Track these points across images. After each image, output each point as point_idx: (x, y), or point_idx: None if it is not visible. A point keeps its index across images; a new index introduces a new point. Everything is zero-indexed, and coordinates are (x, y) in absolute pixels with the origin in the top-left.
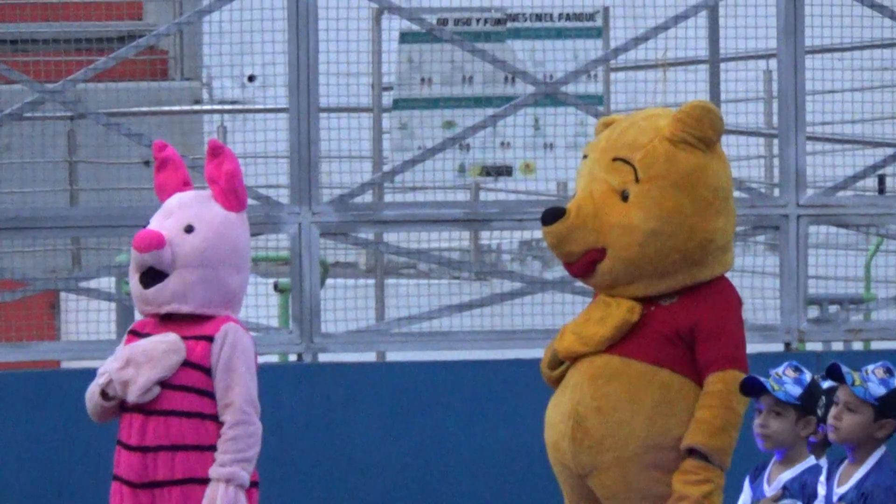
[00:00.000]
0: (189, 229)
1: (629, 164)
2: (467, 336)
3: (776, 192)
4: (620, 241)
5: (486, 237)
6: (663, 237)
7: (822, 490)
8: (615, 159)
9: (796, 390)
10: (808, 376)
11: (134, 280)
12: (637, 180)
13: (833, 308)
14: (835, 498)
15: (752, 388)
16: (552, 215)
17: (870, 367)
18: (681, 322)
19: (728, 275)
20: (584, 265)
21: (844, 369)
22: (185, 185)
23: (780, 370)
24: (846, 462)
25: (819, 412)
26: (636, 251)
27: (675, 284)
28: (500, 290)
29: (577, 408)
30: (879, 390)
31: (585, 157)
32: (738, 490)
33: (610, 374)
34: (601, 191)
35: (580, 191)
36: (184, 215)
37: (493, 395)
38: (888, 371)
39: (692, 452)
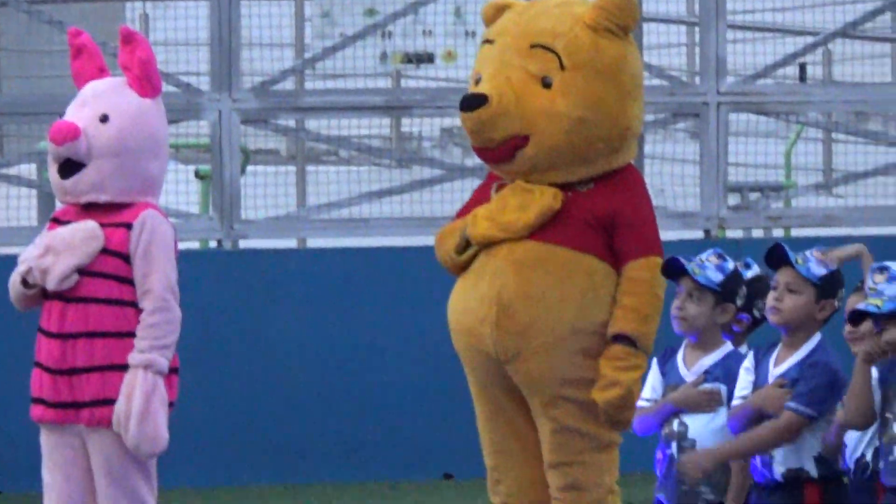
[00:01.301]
0: (104, 119)
1: (552, 51)
2: (388, 222)
3: (697, 80)
4: (546, 128)
5: (407, 124)
6: (589, 125)
7: (746, 375)
8: (533, 46)
9: (717, 276)
10: (730, 264)
11: (52, 171)
12: (562, 68)
13: (753, 195)
14: (770, 378)
15: (674, 271)
16: (473, 101)
17: (809, 251)
18: (601, 208)
19: (648, 162)
20: (504, 151)
21: (788, 250)
22: (101, 72)
23: (703, 256)
24: (779, 346)
25: (738, 302)
26: (562, 139)
27: (594, 171)
28: (420, 176)
29: (502, 294)
30: (821, 270)
31: (488, 41)
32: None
33: (536, 261)
34: (519, 77)
35: (492, 77)
36: (98, 105)
37: (413, 281)
38: (823, 253)
39: (620, 338)
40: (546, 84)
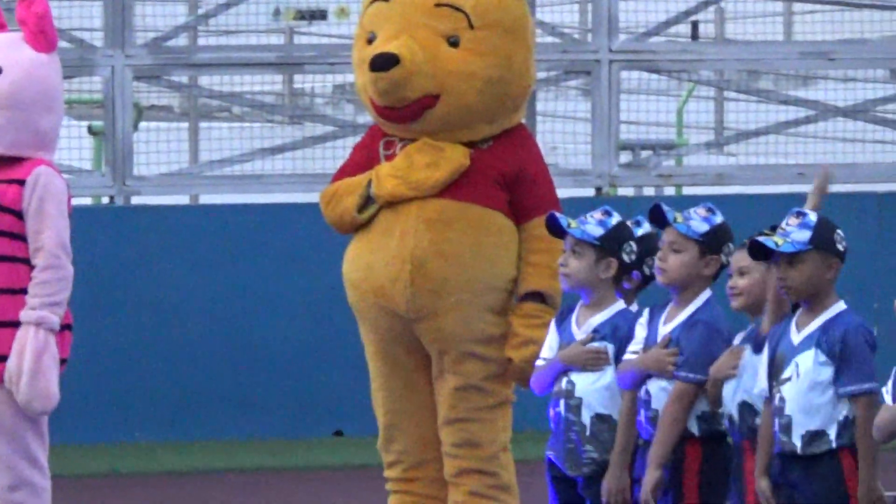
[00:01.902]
0: None
1: (460, 10)
2: (280, 179)
3: (589, 37)
4: (458, 87)
5: (299, 81)
6: (499, 84)
7: (641, 331)
8: (439, 5)
9: (597, 231)
10: (613, 220)
11: None
12: (471, 26)
13: (645, 153)
14: (659, 337)
15: (554, 228)
16: (385, 62)
17: (692, 209)
18: (504, 166)
19: (541, 120)
20: (414, 111)
21: (666, 208)
22: None
23: (590, 213)
24: (670, 304)
25: (627, 257)
26: (474, 97)
27: (496, 129)
28: (313, 133)
29: (415, 252)
30: (703, 227)
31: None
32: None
33: (448, 219)
34: (425, 36)
35: (395, 36)
36: None
37: (306, 238)
38: (710, 210)
39: (532, 295)
40: (452, 43)
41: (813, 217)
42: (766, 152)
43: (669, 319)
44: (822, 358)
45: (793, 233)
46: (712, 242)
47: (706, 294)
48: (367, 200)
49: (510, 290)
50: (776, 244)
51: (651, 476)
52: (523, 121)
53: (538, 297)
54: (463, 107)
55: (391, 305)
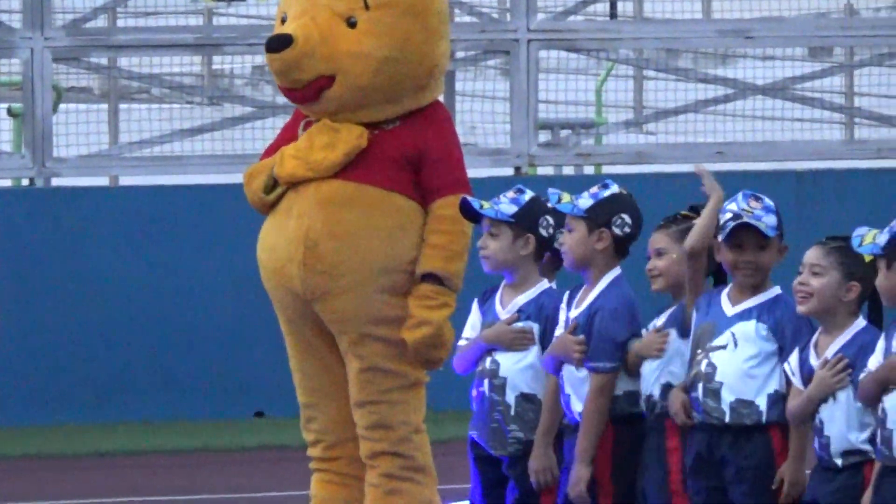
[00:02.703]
0: None
1: None
2: (200, 160)
3: (508, 17)
4: (352, 68)
5: (218, 62)
6: (396, 64)
7: (562, 314)
8: None
9: (511, 209)
10: (526, 196)
11: None
12: (366, 7)
13: (564, 132)
14: (570, 322)
15: (468, 211)
16: (278, 43)
17: (587, 192)
18: (408, 146)
19: (459, 99)
20: (310, 92)
21: (552, 190)
22: None
23: (503, 193)
24: (585, 286)
25: (545, 231)
26: (368, 79)
27: (401, 110)
28: (232, 114)
29: (309, 233)
30: (587, 202)
31: None
32: (467, 314)
33: (343, 200)
34: (324, 17)
35: (298, 16)
36: None
37: (226, 219)
38: (603, 186)
39: (429, 277)
40: (351, 24)
41: (770, 201)
42: (685, 131)
43: (580, 303)
44: (765, 332)
45: (763, 217)
46: (597, 216)
47: (613, 273)
48: (275, 181)
49: (411, 272)
50: (763, 229)
51: (581, 472)
52: (441, 100)
53: (435, 278)
54: (358, 87)
55: (291, 286)
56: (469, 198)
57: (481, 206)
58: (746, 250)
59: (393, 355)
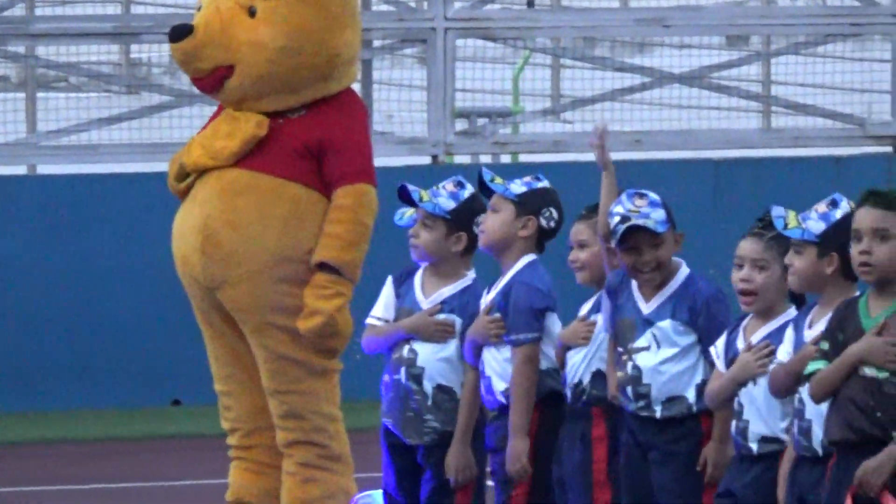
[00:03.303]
0: None
1: None
2: (118, 149)
3: (425, 5)
4: (250, 58)
5: (136, 51)
6: (292, 53)
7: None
8: None
9: (449, 204)
10: (466, 192)
11: None
12: None
13: (481, 121)
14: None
15: (405, 199)
16: (179, 32)
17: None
18: (309, 135)
19: (377, 88)
20: (212, 81)
21: (486, 170)
22: None
23: (443, 183)
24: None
25: (476, 230)
26: (266, 68)
27: (305, 99)
28: (150, 103)
29: (208, 221)
30: (521, 189)
31: None
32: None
33: (240, 189)
34: (227, 7)
35: (207, 5)
36: None
37: (143, 207)
38: (536, 178)
39: (323, 266)
40: (251, 13)
41: (655, 196)
42: (601, 119)
43: (495, 287)
44: (682, 328)
45: (651, 213)
46: (528, 203)
47: (528, 258)
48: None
49: (310, 262)
50: (652, 226)
51: (519, 446)
52: (358, 88)
53: (330, 268)
54: (256, 77)
55: (195, 274)
56: (410, 187)
57: (421, 199)
58: (643, 251)
59: (297, 344)
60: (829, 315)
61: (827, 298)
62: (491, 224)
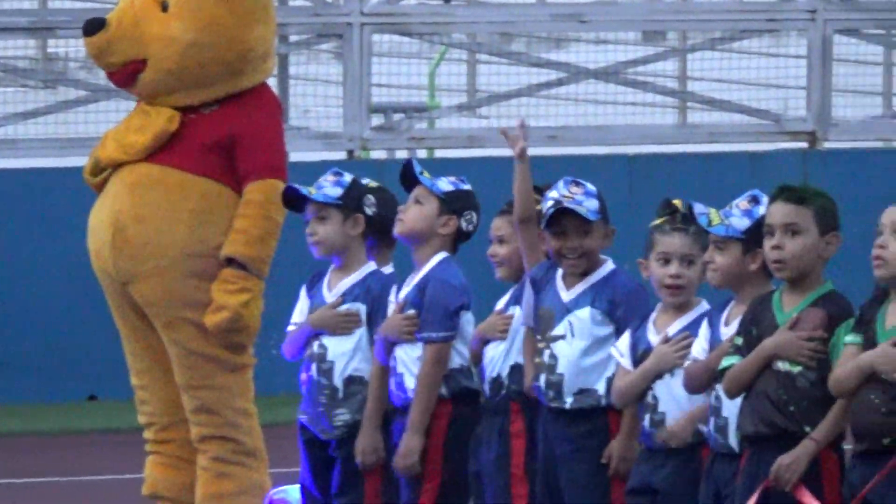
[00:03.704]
0: None
1: None
2: (34, 144)
3: (341, 0)
4: (161, 52)
5: (53, 45)
6: (202, 48)
7: (392, 305)
8: None
9: (336, 191)
10: (347, 178)
11: None
12: None
13: (397, 116)
14: (399, 300)
15: (293, 199)
16: (92, 26)
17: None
18: (221, 131)
19: (293, 83)
20: (125, 75)
21: (418, 168)
22: None
23: (323, 178)
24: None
25: (370, 210)
26: (176, 62)
27: (217, 94)
28: (66, 97)
29: (118, 216)
30: (448, 187)
31: None
32: (295, 298)
33: (150, 183)
34: (141, 1)
35: (122, 1)
36: None
37: (60, 202)
38: (461, 180)
39: (231, 262)
40: (164, 7)
41: (592, 187)
42: (518, 115)
43: (407, 285)
44: (600, 317)
45: (584, 202)
46: (452, 202)
47: (442, 255)
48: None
49: (219, 257)
50: (584, 213)
51: (412, 443)
52: (272, 83)
53: (237, 263)
54: (167, 71)
55: (107, 269)
56: (296, 186)
57: (310, 193)
58: (570, 236)
59: (208, 340)
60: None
61: (745, 295)
62: (413, 215)
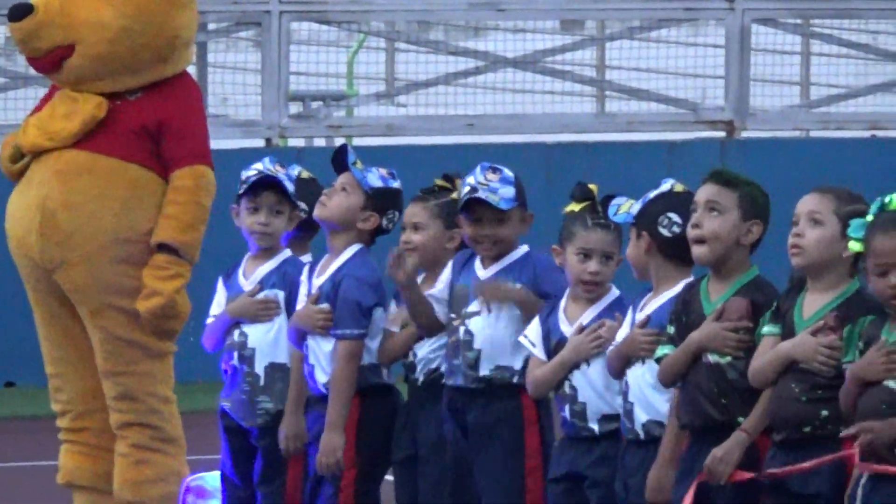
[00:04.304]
0: None
1: None
2: None
3: None
4: (90, 38)
5: None
6: (133, 34)
7: (303, 287)
8: None
9: (291, 187)
10: (294, 171)
11: None
12: None
13: (315, 104)
14: (313, 290)
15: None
16: (19, 11)
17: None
18: (148, 118)
19: (211, 71)
20: (51, 61)
21: (352, 157)
22: None
23: (266, 163)
24: (326, 256)
25: (305, 207)
26: (106, 48)
27: (144, 80)
28: None
29: (46, 203)
30: (377, 182)
31: None
32: (213, 286)
33: (78, 170)
34: None
35: None
36: None
37: None
38: (392, 175)
39: (162, 247)
40: None
41: (510, 173)
42: (435, 103)
43: (322, 272)
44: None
45: (499, 189)
46: (379, 200)
47: (358, 246)
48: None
49: (148, 243)
50: (496, 202)
51: (334, 441)
52: (193, 71)
53: (169, 249)
54: (96, 57)
55: (31, 255)
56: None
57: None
58: (484, 224)
59: (134, 326)
60: (658, 299)
61: (655, 282)
62: (337, 203)
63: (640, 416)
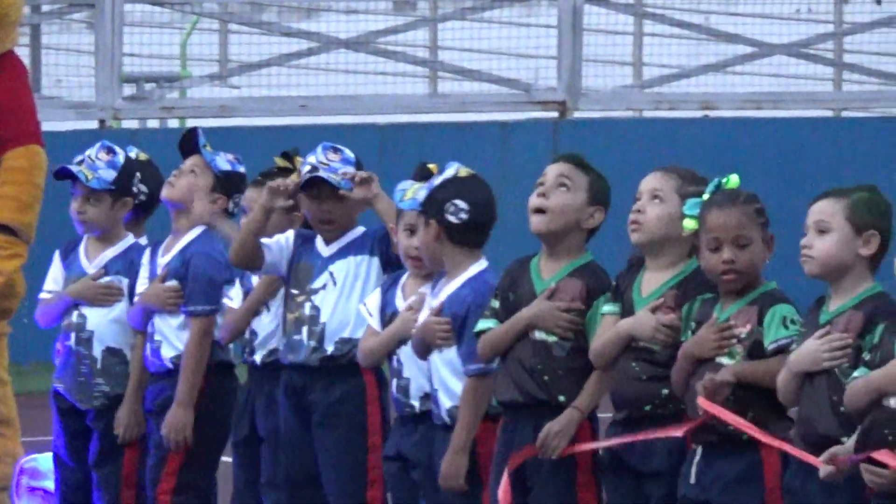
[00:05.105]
0: None
1: None
2: None
3: None
4: None
5: None
6: None
7: (144, 270)
8: None
9: (110, 174)
10: (120, 157)
11: None
12: None
13: (149, 86)
14: (159, 269)
15: (66, 176)
16: None
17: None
18: None
19: (45, 52)
20: None
21: (202, 140)
22: None
23: (93, 153)
24: (170, 237)
25: (135, 188)
26: None
27: None
28: None
29: None
30: (226, 167)
31: None
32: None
33: None
34: None
35: None
36: None
37: None
38: (238, 160)
39: (2, 228)
40: None
41: (350, 154)
42: (269, 84)
43: (166, 251)
44: (363, 266)
45: (341, 169)
46: (227, 184)
47: (202, 227)
48: None
49: None
50: (337, 183)
51: (181, 416)
52: (27, 53)
53: (6, 229)
54: None
55: None
56: (70, 167)
57: (87, 178)
58: (324, 201)
59: None
60: (451, 285)
61: (448, 269)
62: (185, 184)
63: (445, 402)
